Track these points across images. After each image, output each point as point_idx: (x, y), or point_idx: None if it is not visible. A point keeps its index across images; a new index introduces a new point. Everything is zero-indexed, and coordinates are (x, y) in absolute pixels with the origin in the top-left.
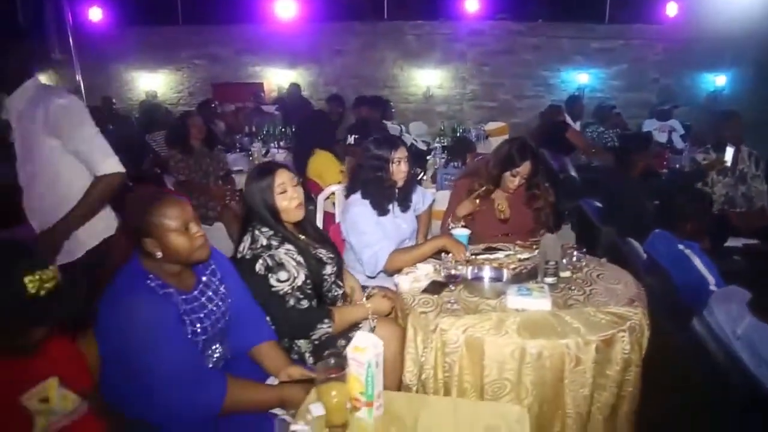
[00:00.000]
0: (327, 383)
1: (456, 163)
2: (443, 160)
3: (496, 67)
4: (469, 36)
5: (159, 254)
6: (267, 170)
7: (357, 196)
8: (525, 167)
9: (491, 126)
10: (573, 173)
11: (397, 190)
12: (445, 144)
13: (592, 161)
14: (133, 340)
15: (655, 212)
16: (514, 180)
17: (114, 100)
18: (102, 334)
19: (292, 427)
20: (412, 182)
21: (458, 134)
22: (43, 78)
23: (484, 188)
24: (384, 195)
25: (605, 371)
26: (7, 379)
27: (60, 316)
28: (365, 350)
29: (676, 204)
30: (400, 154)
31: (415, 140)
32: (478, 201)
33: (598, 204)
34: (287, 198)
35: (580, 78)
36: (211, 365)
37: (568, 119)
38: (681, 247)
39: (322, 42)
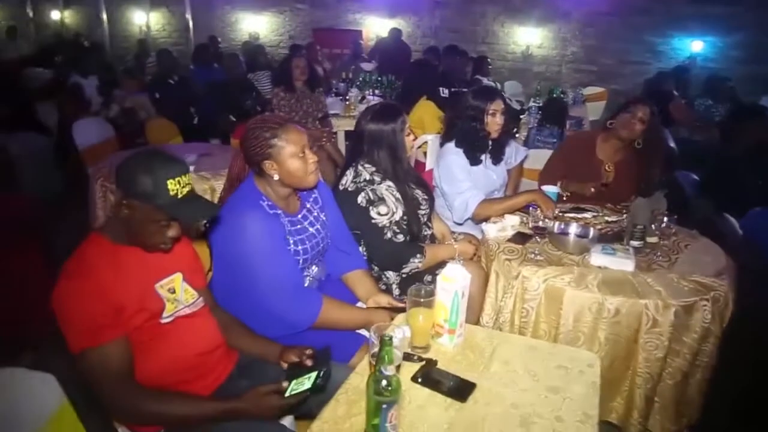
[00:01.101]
0: (416, 307)
1: (550, 126)
2: (537, 120)
3: (600, 29)
4: None
5: (276, 176)
6: (396, 111)
7: (451, 145)
8: (641, 109)
9: (590, 90)
10: (672, 144)
11: (491, 142)
12: (540, 104)
13: (692, 135)
14: (244, 251)
15: (760, 190)
16: (631, 120)
17: (219, 40)
18: (216, 244)
19: (396, 329)
20: (506, 135)
21: (554, 95)
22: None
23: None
24: (477, 145)
25: (682, 338)
26: (147, 268)
27: (191, 217)
28: (454, 280)
29: None
30: (496, 106)
31: (510, 99)
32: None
33: (696, 177)
34: (409, 140)
35: (694, 46)
36: (307, 284)
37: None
38: None
39: None
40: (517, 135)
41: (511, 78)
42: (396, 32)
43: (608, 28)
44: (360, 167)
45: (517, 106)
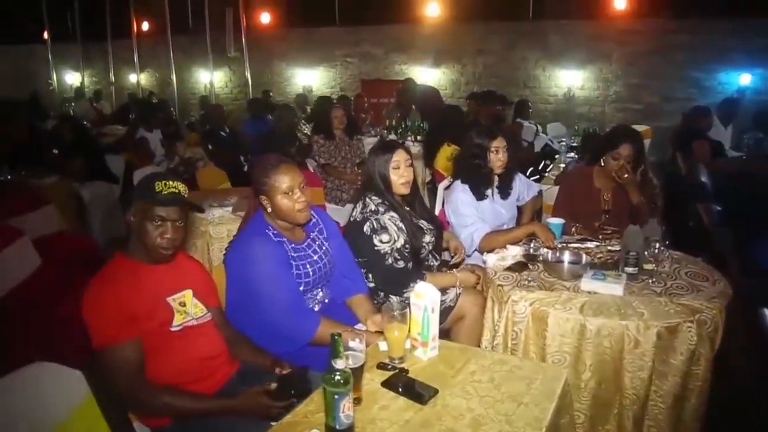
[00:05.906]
0: (391, 322)
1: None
2: (569, 160)
3: (643, 68)
4: (616, 35)
5: (269, 209)
6: (389, 147)
7: (458, 182)
8: (625, 149)
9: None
10: (703, 179)
11: (497, 177)
12: (574, 144)
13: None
14: (251, 273)
15: None
16: (615, 163)
17: (271, 93)
18: (229, 267)
19: (350, 343)
20: (512, 171)
21: (590, 131)
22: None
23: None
24: (481, 181)
25: (669, 359)
26: (161, 283)
27: (166, 203)
28: (425, 296)
29: None
30: (498, 143)
31: (551, 141)
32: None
33: (719, 208)
34: (398, 174)
35: (742, 79)
36: (314, 306)
37: (717, 123)
38: None
39: (465, 42)
40: (548, 173)
41: (554, 120)
42: (427, 87)
43: (651, 66)
44: (368, 199)
45: (557, 147)
